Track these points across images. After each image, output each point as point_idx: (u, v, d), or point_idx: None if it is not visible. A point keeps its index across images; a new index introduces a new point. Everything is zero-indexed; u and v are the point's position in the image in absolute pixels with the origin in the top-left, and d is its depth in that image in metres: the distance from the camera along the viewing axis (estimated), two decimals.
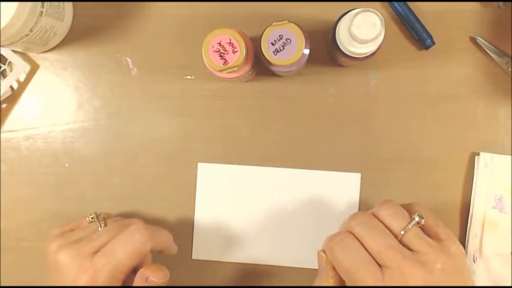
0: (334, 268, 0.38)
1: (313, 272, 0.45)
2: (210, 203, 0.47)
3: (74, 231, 0.41)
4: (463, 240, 0.45)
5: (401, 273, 0.35)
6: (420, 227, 0.37)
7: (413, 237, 0.36)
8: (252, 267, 0.47)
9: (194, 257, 0.47)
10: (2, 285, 0.48)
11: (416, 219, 0.36)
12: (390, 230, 0.37)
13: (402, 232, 0.36)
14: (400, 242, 0.36)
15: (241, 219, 0.47)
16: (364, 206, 0.46)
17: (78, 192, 0.48)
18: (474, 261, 0.45)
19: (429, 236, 0.37)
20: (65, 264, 0.38)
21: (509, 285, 0.44)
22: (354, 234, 0.37)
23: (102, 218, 0.41)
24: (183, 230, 0.47)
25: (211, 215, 0.47)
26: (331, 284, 0.38)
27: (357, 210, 0.46)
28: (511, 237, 0.45)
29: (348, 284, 0.37)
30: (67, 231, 0.42)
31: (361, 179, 0.46)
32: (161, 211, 0.48)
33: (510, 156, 0.45)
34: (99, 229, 0.40)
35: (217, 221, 0.47)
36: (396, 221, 0.37)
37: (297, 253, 0.47)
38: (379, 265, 0.36)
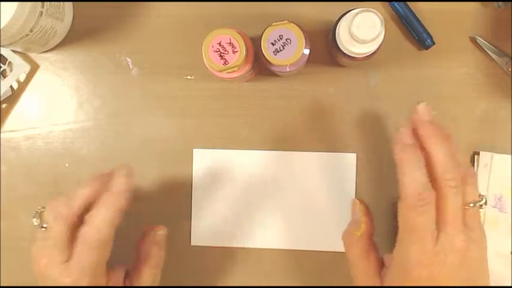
0: (367, 214, 0.40)
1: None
2: (207, 189, 0.47)
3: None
4: None
5: (452, 243, 0.35)
6: None
7: (472, 213, 0.37)
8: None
9: (193, 243, 0.48)
10: (2, 285, 0.49)
11: (484, 201, 0.37)
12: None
13: (472, 205, 0.37)
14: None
15: (238, 203, 0.47)
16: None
17: None
18: None
19: None
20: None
21: (509, 285, 0.44)
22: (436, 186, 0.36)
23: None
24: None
25: (209, 201, 0.47)
26: (361, 230, 0.40)
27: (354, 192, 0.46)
28: (511, 236, 0.45)
29: (400, 235, 0.37)
30: None
31: (361, 179, 0.46)
32: (160, 211, 0.48)
33: (510, 155, 0.45)
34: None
35: (214, 207, 0.47)
36: (474, 192, 0.37)
37: (294, 235, 0.47)
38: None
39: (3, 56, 0.48)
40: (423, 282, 0.35)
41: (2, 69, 0.48)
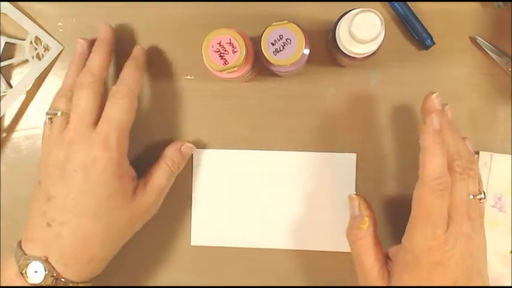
0: (369, 207, 0.41)
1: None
2: (207, 189, 0.47)
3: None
4: None
5: (460, 229, 0.36)
6: None
7: (474, 205, 0.38)
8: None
9: (193, 243, 0.48)
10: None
11: (483, 196, 0.39)
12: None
13: (471, 197, 0.38)
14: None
15: (238, 203, 0.47)
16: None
17: None
18: None
19: None
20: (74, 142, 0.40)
21: (509, 284, 0.45)
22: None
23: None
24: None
25: (209, 201, 0.47)
26: (367, 224, 0.40)
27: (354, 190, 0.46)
28: (511, 236, 0.45)
29: (413, 221, 0.37)
30: None
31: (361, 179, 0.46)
32: (161, 211, 0.48)
33: (509, 155, 0.45)
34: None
35: (214, 207, 0.47)
36: (475, 184, 0.39)
37: (294, 235, 0.47)
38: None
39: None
40: (433, 267, 0.36)
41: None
